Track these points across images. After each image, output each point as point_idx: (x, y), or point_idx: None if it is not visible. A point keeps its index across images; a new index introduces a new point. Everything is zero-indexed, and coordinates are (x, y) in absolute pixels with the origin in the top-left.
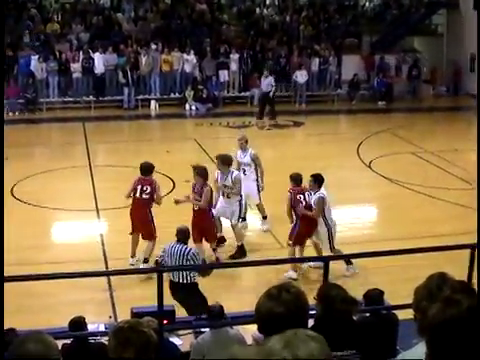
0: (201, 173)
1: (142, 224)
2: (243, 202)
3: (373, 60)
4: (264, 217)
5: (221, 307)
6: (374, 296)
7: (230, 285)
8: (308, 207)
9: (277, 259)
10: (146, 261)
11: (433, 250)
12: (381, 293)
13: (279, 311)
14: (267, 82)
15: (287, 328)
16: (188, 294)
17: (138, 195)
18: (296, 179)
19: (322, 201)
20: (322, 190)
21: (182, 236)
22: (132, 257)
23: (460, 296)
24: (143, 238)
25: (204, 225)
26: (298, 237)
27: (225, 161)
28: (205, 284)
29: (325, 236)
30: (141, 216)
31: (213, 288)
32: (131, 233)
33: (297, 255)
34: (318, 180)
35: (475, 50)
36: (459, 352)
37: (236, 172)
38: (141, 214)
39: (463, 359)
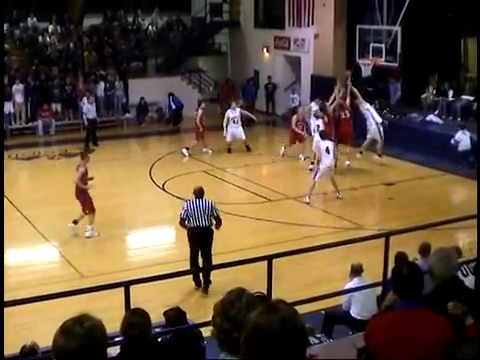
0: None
1: None
2: None
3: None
4: None
5: (33, 347)
6: (173, 316)
7: None
8: None
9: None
10: None
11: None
12: (180, 312)
13: (71, 346)
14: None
15: None
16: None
17: None
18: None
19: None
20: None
21: (199, 193)
22: None
23: (279, 305)
24: None
25: None
26: None
27: None
28: None
29: None
30: None
31: None
32: None
33: None
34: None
35: (258, 67)
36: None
37: None
38: None
39: None
